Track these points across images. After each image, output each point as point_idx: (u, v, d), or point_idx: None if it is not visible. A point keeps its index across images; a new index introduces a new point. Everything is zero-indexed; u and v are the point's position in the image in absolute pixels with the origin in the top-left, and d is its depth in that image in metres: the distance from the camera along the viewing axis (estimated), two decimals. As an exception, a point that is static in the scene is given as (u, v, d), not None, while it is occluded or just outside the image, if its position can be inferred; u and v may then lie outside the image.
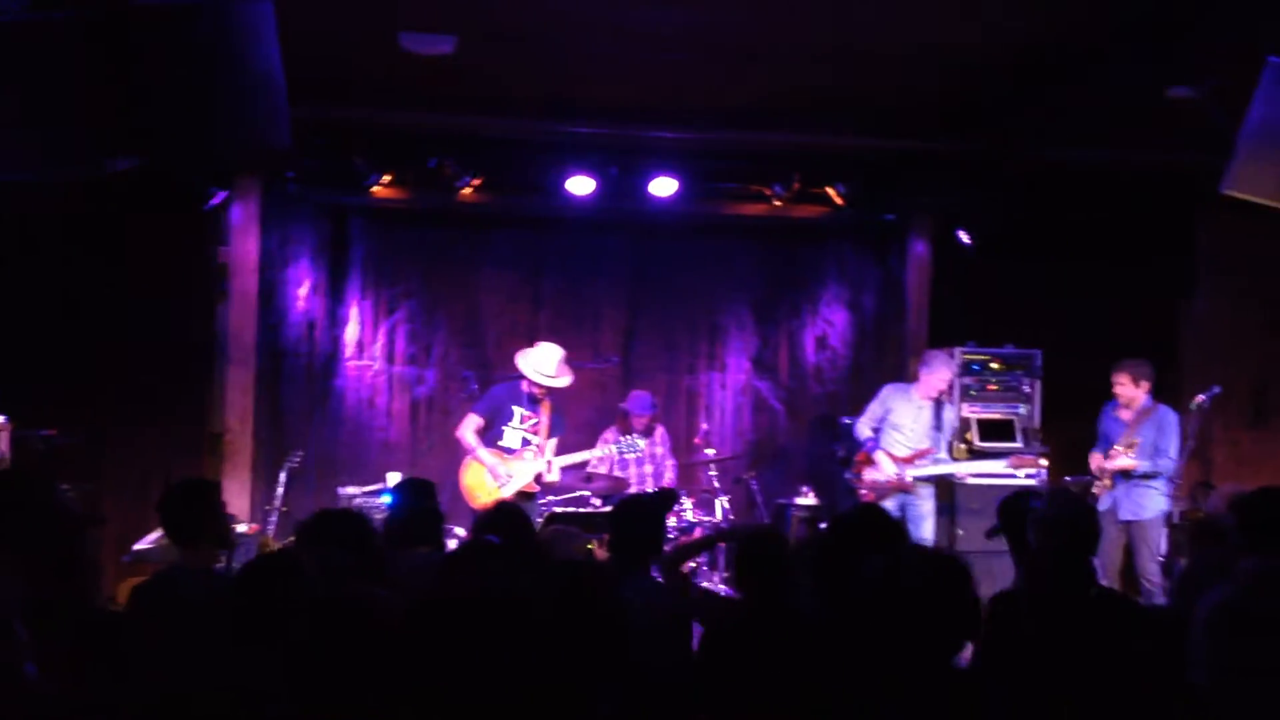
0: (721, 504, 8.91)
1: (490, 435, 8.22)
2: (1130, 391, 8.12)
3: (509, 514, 5.18)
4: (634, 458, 8.94)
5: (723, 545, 7.73)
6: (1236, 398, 9.50)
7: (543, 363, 8.19)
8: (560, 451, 8.30)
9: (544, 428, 8.24)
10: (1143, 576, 7.94)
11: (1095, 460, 8.20)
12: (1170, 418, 8.11)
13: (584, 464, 8.66)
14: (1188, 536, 7.63)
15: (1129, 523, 7.97)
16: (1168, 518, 8.33)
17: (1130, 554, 8.01)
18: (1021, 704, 2.88)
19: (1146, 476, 7.96)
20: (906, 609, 2.84)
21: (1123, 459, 7.90)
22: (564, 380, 8.24)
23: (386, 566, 4.62)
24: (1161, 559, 8.22)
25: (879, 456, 8.47)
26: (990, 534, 5.10)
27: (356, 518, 4.41)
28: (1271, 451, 9.57)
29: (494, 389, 8.47)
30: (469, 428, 8.23)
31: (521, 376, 8.21)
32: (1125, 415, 8.17)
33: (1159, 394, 9.15)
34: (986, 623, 4.55)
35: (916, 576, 2.92)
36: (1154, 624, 3.72)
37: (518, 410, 8.24)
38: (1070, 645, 2.99)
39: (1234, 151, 5.89)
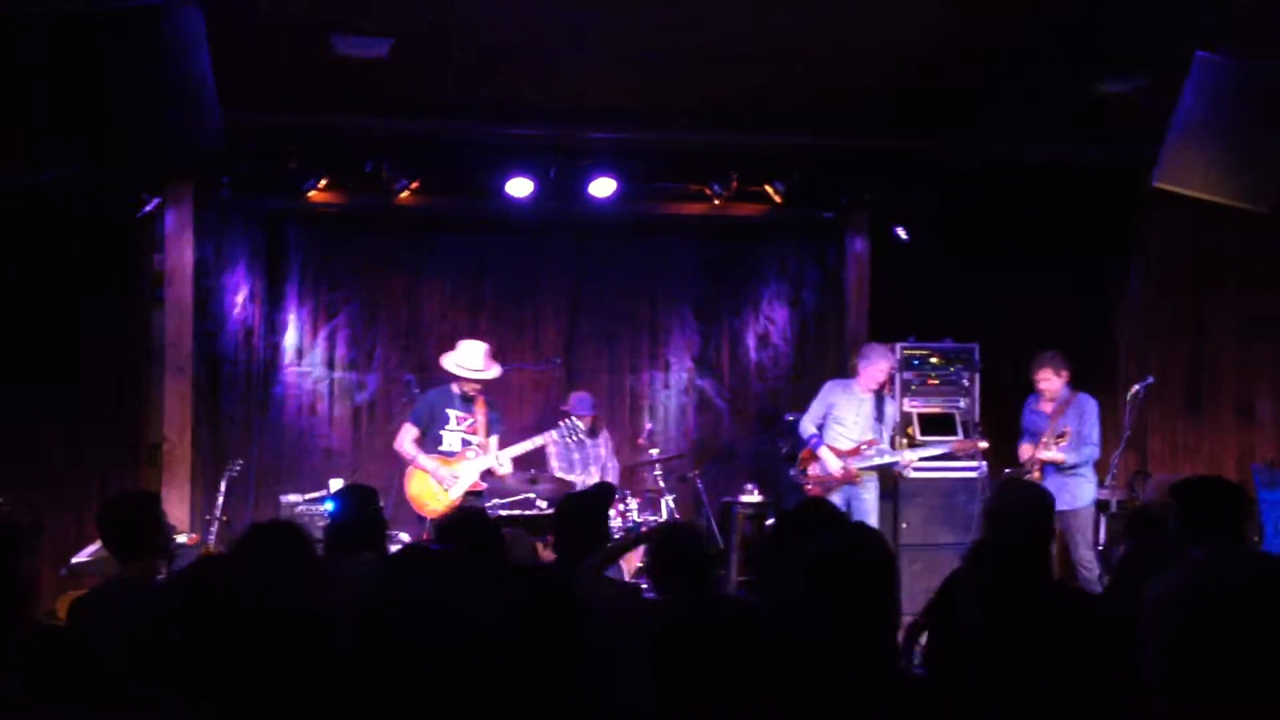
0: (667, 503, 8.93)
1: (429, 442, 8.18)
2: (1054, 384, 8.35)
3: (469, 520, 5.08)
4: (574, 441, 8.91)
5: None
6: (1171, 387, 9.65)
7: (467, 358, 8.19)
8: (502, 445, 8.29)
9: (481, 426, 8.23)
10: (1079, 565, 8.10)
11: (1024, 451, 8.37)
12: (1090, 405, 8.33)
13: (531, 459, 8.64)
14: (1125, 525, 7.76)
15: (1062, 513, 8.10)
16: (1103, 505, 8.48)
17: (1064, 544, 8.15)
18: (968, 696, 2.89)
19: (1074, 466, 8.15)
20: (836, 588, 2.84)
21: (1052, 451, 8.08)
22: (493, 372, 8.24)
23: (329, 574, 4.59)
24: (1101, 547, 8.36)
25: (823, 452, 8.53)
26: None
27: (291, 527, 4.36)
28: (1207, 439, 9.73)
29: (425, 395, 8.44)
30: (406, 438, 8.20)
31: (451, 379, 8.18)
32: (1046, 407, 8.38)
33: (1097, 384, 9.30)
34: (933, 609, 4.60)
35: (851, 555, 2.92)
36: (1106, 618, 3.76)
37: (452, 413, 8.22)
38: (1021, 641, 3.01)
39: (1164, 145, 5.99)
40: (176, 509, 8.72)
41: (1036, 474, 8.23)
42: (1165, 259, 9.89)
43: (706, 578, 3.69)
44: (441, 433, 8.19)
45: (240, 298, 9.61)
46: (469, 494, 8.09)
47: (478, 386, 8.21)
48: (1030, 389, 8.57)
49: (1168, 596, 1.96)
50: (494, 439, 8.30)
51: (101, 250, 8.94)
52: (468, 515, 4.91)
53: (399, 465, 8.40)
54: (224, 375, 9.58)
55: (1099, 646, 3.00)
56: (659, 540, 3.80)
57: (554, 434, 8.53)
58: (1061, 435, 8.08)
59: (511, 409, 9.28)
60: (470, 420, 8.23)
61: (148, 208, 8.93)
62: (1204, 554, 1.97)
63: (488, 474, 8.20)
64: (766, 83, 7.89)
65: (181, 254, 9.07)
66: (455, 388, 8.24)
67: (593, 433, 9.15)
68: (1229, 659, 1.87)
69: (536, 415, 9.79)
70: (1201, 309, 9.83)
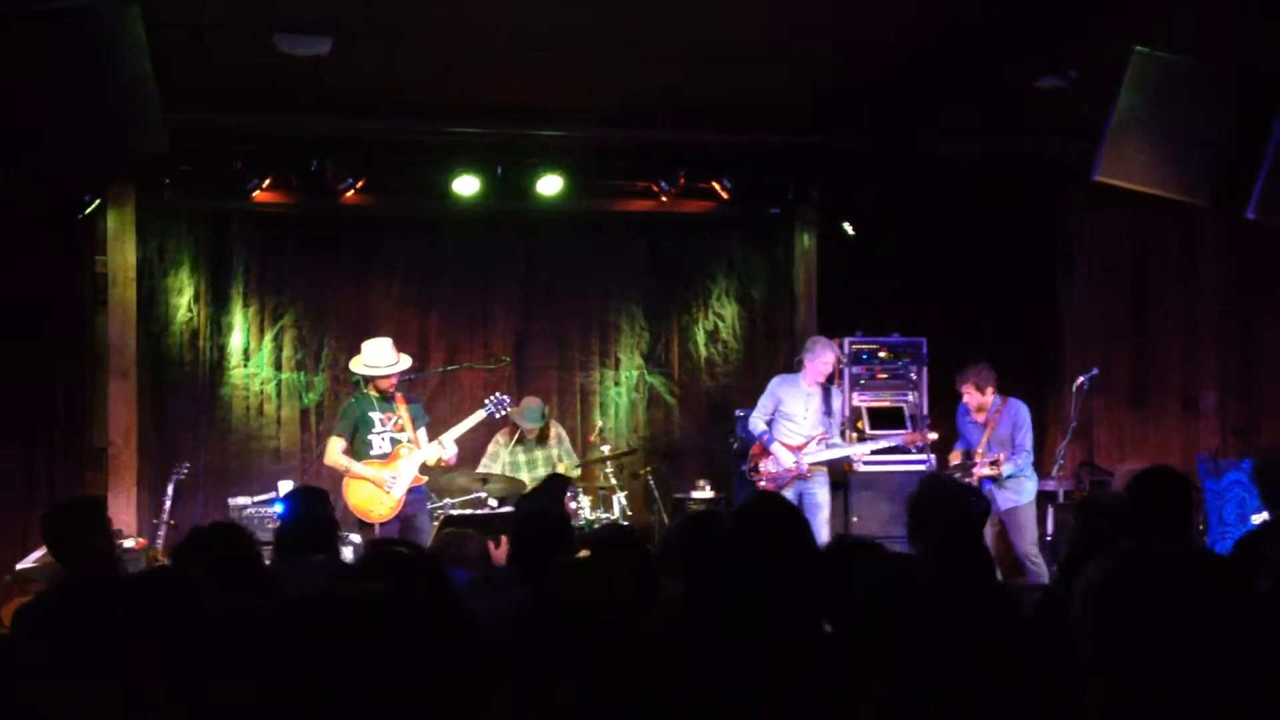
0: (619, 500, 8.93)
1: (360, 448, 8.07)
2: (978, 399, 8.41)
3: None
4: (516, 443, 8.88)
5: None
6: (1117, 379, 9.77)
7: (373, 356, 8.10)
8: (432, 437, 8.22)
9: (406, 422, 8.12)
10: (1025, 559, 8.19)
11: (955, 457, 8.45)
12: (1023, 412, 8.39)
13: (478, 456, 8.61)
14: (1072, 516, 7.87)
15: (1006, 511, 8.22)
16: (1050, 497, 8.59)
17: (1007, 542, 8.23)
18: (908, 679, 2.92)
19: (1011, 476, 8.24)
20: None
21: (987, 469, 8.17)
22: (403, 363, 8.14)
23: (280, 576, 4.56)
24: (1050, 538, 8.45)
25: (775, 448, 8.56)
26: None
27: (235, 530, 4.32)
28: (1152, 431, 9.86)
29: (344, 405, 8.36)
30: (335, 450, 8.09)
31: (364, 380, 8.11)
32: (979, 417, 8.46)
33: (1043, 377, 9.41)
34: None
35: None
36: (1044, 616, 3.80)
37: (374, 415, 8.10)
38: (961, 635, 3.03)
39: (1103, 139, 6.06)
40: (123, 513, 8.63)
41: (976, 484, 8.26)
42: (1108, 252, 10.01)
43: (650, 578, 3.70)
44: (370, 437, 8.05)
45: (185, 299, 9.51)
46: (412, 489, 8.02)
47: (393, 382, 8.10)
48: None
49: (1092, 586, 1.98)
50: (422, 432, 8.19)
51: (42, 252, 8.83)
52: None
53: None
54: (169, 378, 9.48)
55: (1029, 643, 3.04)
56: (594, 544, 3.81)
57: (481, 413, 8.45)
58: (994, 463, 8.14)
59: (464, 408, 9.23)
60: (394, 418, 8.11)
61: (89, 209, 8.82)
62: (1130, 544, 1.99)
63: (427, 467, 8.12)
64: (713, 80, 7.91)
65: (124, 255, 8.98)
66: (371, 389, 8.11)
67: (542, 438, 9.09)
68: (1147, 649, 1.89)
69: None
70: (1144, 301, 9.95)
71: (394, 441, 8.08)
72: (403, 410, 8.15)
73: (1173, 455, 9.39)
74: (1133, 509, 4.30)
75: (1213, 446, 9.36)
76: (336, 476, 8.24)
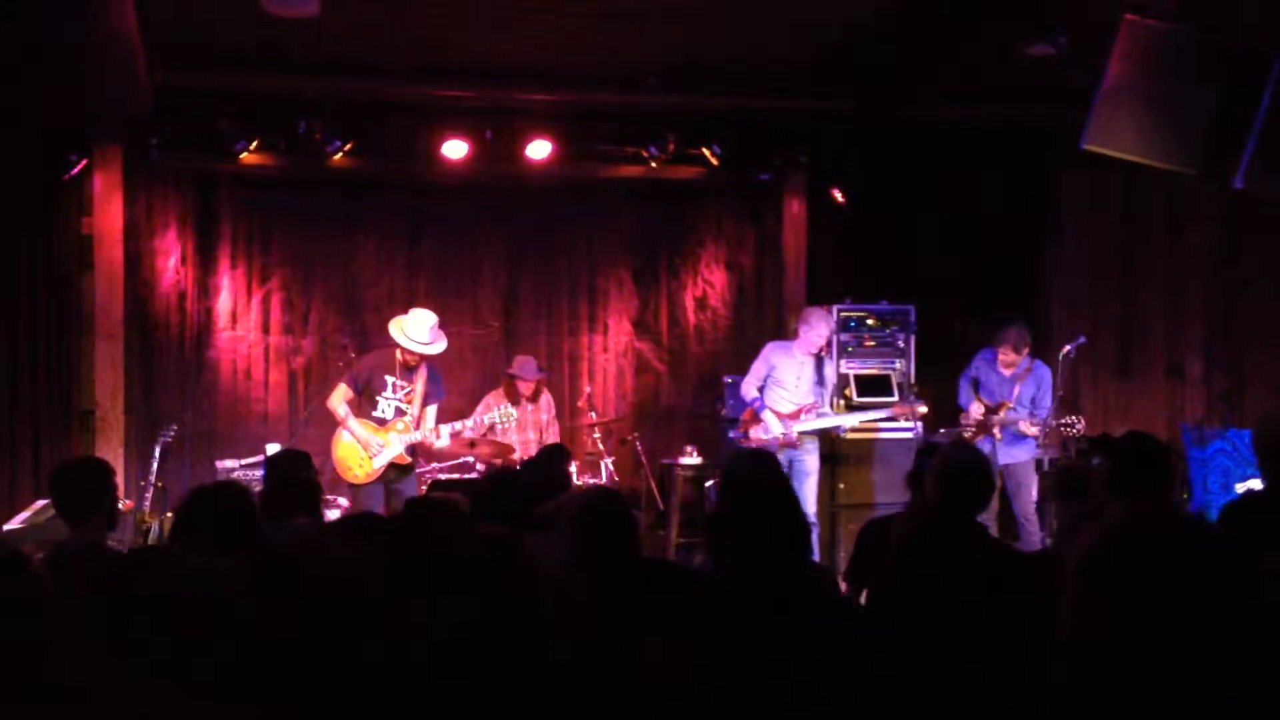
0: (606, 466, 8.95)
1: (364, 405, 8.09)
2: (1012, 357, 8.59)
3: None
4: (512, 426, 8.87)
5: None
6: (1103, 348, 9.79)
7: (416, 330, 7.99)
8: (441, 417, 8.23)
9: (418, 396, 8.10)
10: (1022, 517, 8.32)
11: (976, 411, 8.48)
12: (1047, 374, 8.59)
13: (459, 401, 8.61)
14: (1052, 484, 7.96)
15: (1005, 466, 8.32)
16: (1036, 464, 8.65)
17: (1006, 498, 8.32)
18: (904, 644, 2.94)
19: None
20: None
21: (1025, 425, 8.38)
22: (438, 347, 8.08)
23: (263, 538, 4.57)
24: (1034, 503, 8.51)
25: (767, 415, 8.58)
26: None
27: (236, 488, 4.34)
28: (1138, 399, 9.89)
29: (365, 358, 8.32)
30: (339, 398, 8.07)
31: (394, 344, 8.06)
32: (1007, 370, 8.61)
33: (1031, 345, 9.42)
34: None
35: None
36: (1038, 579, 3.82)
37: (391, 379, 8.08)
38: (954, 595, 3.05)
39: (1093, 107, 6.06)
40: (110, 475, 8.62)
41: (997, 434, 8.42)
42: (1096, 221, 10.01)
43: (629, 542, 3.71)
44: (378, 398, 8.07)
45: (172, 261, 9.48)
46: (394, 465, 8.02)
47: (420, 358, 8.09)
48: (967, 351, 8.72)
49: (1090, 552, 1.99)
50: (431, 409, 8.16)
51: (28, 213, 8.78)
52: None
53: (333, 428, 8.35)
54: (156, 340, 9.46)
55: (1034, 606, 3.06)
56: (584, 505, 3.79)
57: (485, 420, 8.46)
58: (1029, 422, 8.34)
59: (451, 372, 9.23)
60: (408, 389, 8.09)
61: (75, 170, 8.78)
62: (1122, 510, 2.01)
63: (411, 449, 8.10)
64: (703, 45, 7.87)
65: (111, 217, 8.94)
66: (398, 354, 8.07)
67: (535, 396, 9.08)
68: (1148, 613, 1.91)
69: (475, 379, 9.76)
70: (1132, 271, 9.96)
71: (399, 411, 8.07)
72: (420, 384, 8.11)
73: (1157, 424, 9.44)
74: (1110, 475, 4.30)
75: (1198, 416, 9.39)
76: (325, 439, 8.24)
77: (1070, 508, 4.48)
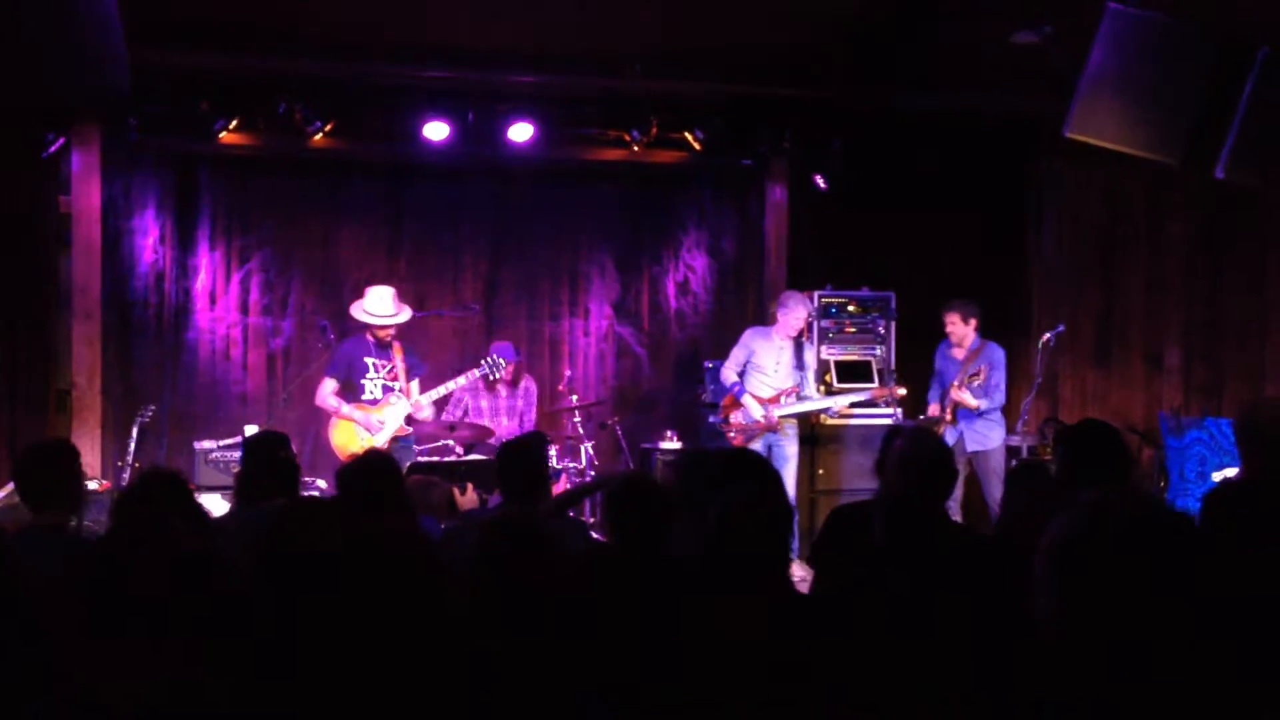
0: (586, 450, 8.94)
1: (350, 392, 8.15)
2: (960, 330, 8.67)
3: (371, 466, 4.92)
4: (487, 388, 8.86)
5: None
6: (1082, 336, 9.82)
7: (377, 305, 8.15)
8: (425, 389, 8.25)
9: (401, 371, 8.18)
10: (993, 503, 8.30)
11: (933, 410, 8.67)
12: (999, 354, 8.63)
13: (448, 399, 8.61)
14: (1008, 473, 7.99)
15: (975, 454, 8.41)
16: (1013, 451, 8.69)
17: (977, 484, 8.38)
18: (870, 631, 2.95)
19: (984, 412, 8.48)
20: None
21: (965, 394, 8.39)
22: (403, 315, 8.22)
23: (238, 521, 4.54)
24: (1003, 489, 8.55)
25: (747, 400, 8.59)
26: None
27: (172, 475, 4.30)
28: (1116, 388, 9.91)
29: (340, 346, 8.37)
30: (327, 392, 8.17)
31: (364, 327, 8.13)
32: (958, 354, 8.70)
33: (1011, 332, 9.45)
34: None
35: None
36: (1006, 565, 3.82)
37: (370, 361, 8.19)
38: (919, 580, 3.06)
39: (1076, 96, 6.06)
40: (88, 455, 8.54)
41: (949, 417, 8.49)
42: (1076, 209, 10.03)
43: (658, 529, 3.70)
44: (363, 382, 8.17)
45: (150, 241, 9.43)
46: (395, 438, 8.06)
47: (391, 331, 8.18)
48: (943, 335, 8.77)
49: (1066, 539, 1.99)
50: (415, 383, 8.27)
51: (3, 191, 8.69)
52: (369, 462, 4.74)
53: (317, 409, 8.36)
54: (134, 320, 9.41)
55: (996, 591, 3.06)
56: (618, 490, 3.79)
57: (475, 372, 8.46)
58: (975, 375, 8.32)
59: (432, 356, 9.22)
60: (389, 366, 8.20)
61: (52, 148, 8.70)
62: (1095, 497, 2.01)
63: (407, 419, 8.16)
64: (685, 29, 7.85)
65: (89, 195, 8.85)
66: (369, 335, 8.19)
67: (515, 381, 9.08)
68: (1125, 597, 1.91)
69: (455, 362, 9.73)
70: (1112, 259, 9.97)
71: (387, 389, 8.15)
72: (399, 359, 8.18)
73: (1135, 413, 9.47)
74: (1066, 463, 4.27)
75: (1176, 404, 9.41)
76: (304, 420, 8.23)
77: (1020, 494, 4.43)
